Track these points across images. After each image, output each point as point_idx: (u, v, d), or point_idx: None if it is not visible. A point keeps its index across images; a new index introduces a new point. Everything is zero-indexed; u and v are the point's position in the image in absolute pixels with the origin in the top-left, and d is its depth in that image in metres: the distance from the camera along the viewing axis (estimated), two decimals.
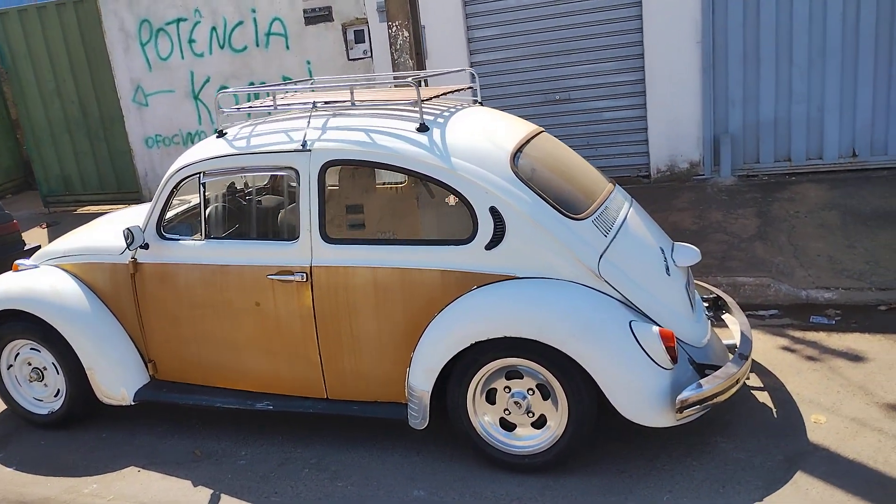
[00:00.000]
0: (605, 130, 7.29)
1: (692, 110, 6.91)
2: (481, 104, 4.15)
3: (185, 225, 3.87)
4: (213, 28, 8.16)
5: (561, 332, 3.00)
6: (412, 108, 3.46)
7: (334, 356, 3.41)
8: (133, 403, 3.79)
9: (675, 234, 5.79)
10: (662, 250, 3.51)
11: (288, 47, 7.96)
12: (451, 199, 3.33)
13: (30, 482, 3.54)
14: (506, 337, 3.06)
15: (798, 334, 4.33)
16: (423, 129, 3.31)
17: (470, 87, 4.13)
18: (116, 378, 3.80)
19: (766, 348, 4.18)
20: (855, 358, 3.97)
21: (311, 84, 4.22)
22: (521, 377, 3.15)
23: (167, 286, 3.67)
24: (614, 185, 3.82)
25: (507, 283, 3.14)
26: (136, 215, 4.07)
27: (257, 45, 8.08)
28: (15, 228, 6.30)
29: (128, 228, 3.63)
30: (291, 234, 3.42)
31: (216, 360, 3.68)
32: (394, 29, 5.19)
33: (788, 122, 6.72)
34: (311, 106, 3.53)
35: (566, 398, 3.06)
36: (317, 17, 7.65)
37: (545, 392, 3.13)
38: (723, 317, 3.95)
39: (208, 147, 3.63)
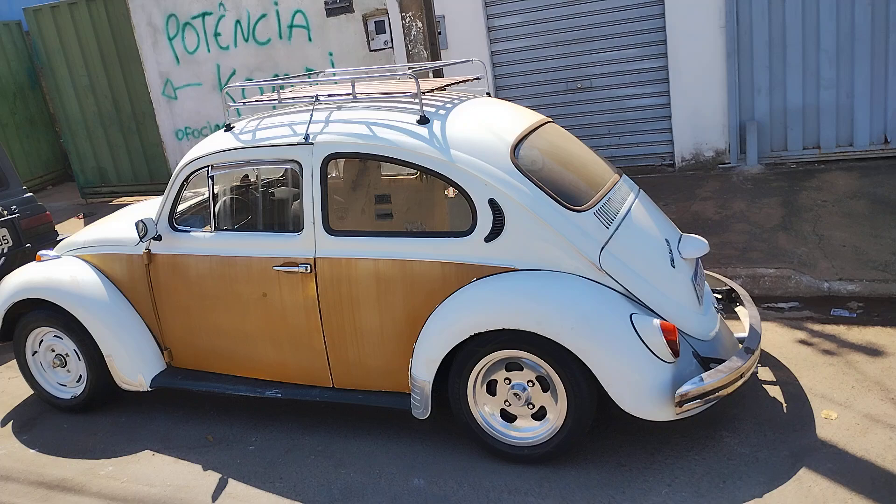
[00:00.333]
0: (628, 119, 7.20)
1: (717, 97, 6.77)
2: (489, 95, 4.13)
3: (197, 217, 3.95)
4: (238, 21, 8.26)
5: (559, 325, 2.99)
6: (414, 101, 3.47)
7: (339, 346, 3.46)
8: (150, 389, 3.90)
9: (696, 224, 5.72)
10: (668, 242, 3.46)
11: (310, 39, 8.02)
12: (451, 192, 3.33)
13: (50, 463, 3.68)
14: (504, 329, 3.07)
15: (817, 327, 4.24)
16: (423, 121, 3.32)
17: (477, 78, 4.11)
18: (134, 365, 3.92)
19: (783, 342, 4.10)
20: (874, 352, 3.87)
21: (319, 77, 4.26)
22: (521, 369, 3.16)
23: (179, 276, 3.75)
24: (620, 176, 3.77)
25: (507, 275, 3.14)
26: (153, 207, 4.17)
27: (280, 38, 8.16)
28: (48, 220, 6.47)
29: (141, 220, 3.72)
30: (296, 226, 3.47)
31: (227, 349, 3.76)
32: (407, 20, 5.19)
33: (817, 108, 6.55)
34: (314, 99, 3.56)
35: (565, 391, 3.06)
36: (338, 8, 7.69)
37: (545, 384, 3.13)
38: (736, 309, 3.90)
39: (216, 141, 3.70)
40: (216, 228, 3.68)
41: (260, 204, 3.81)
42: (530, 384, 3.15)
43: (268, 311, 3.56)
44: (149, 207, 4.32)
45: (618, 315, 3.05)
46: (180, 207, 3.91)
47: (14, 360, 4.48)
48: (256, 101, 3.77)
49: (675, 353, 3.03)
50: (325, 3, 7.77)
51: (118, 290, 3.99)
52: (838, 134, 6.56)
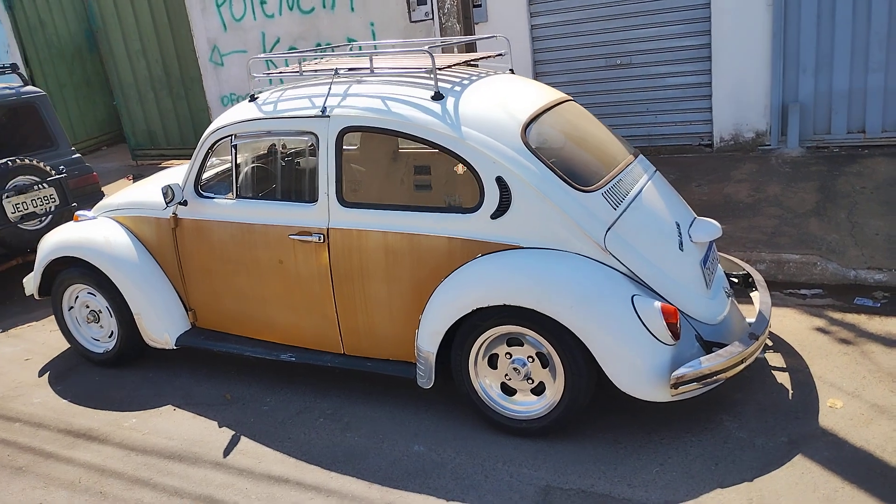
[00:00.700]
0: (668, 97, 7.07)
1: (760, 77, 6.59)
2: (512, 71, 4.14)
3: (223, 184, 4.08)
4: None
5: (558, 303, 3.03)
6: (431, 76, 3.51)
7: (349, 314, 3.57)
8: (175, 348, 4.10)
9: (726, 207, 5.64)
10: (678, 225, 3.45)
11: (353, 9, 8.07)
12: (460, 168, 3.38)
13: (79, 413, 3.91)
14: (506, 305, 3.13)
15: (837, 315, 4.17)
16: (437, 97, 3.36)
17: (500, 54, 4.12)
18: (161, 324, 4.11)
19: (800, 328, 4.05)
20: (892, 343, 3.80)
21: (336, 51, 4.31)
22: (522, 345, 3.22)
23: (203, 241, 3.91)
24: (635, 157, 3.76)
25: (511, 252, 3.19)
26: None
27: (324, 7, 8.23)
28: (94, 180, 6.75)
29: (168, 186, 3.87)
30: (312, 196, 3.57)
31: (246, 312, 3.91)
32: None
33: (864, 91, 6.32)
34: (333, 73, 3.63)
35: (563, 368, 3.11)
36: None
37: (544, 360, 3.18)
38: (751, 295, 3.87)
39: (240, 111, 3.82)
40: (238, 196, 3.81)
41: (279, 174, 3.93)
42: (530, 360, 3.21)
43: (284, 278, 3.69)
44: (180, 173, 4.48)
45: (619, 296, 3.07)
46: (207, 174, 4.05)
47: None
48: (280, 73, 3.86)
49: (676, 336, 3.05)
50: None
51: (148, 252, 4.18)
52: (885, 119, 6.33)
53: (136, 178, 9.36)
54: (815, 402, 3.36)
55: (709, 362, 3.03)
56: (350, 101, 3.48)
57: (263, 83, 4.03)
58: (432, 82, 3.43)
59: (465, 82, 3.57)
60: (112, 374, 4.31)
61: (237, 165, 3.84)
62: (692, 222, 3.57)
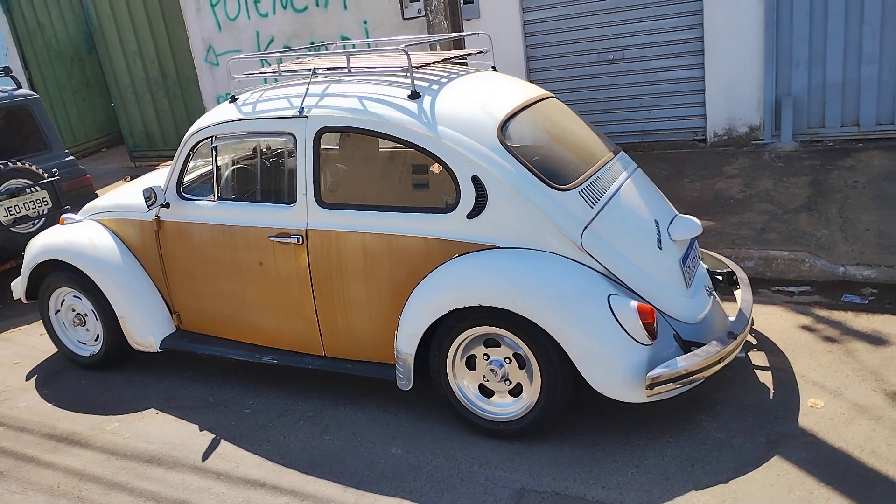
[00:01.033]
0: (661, 92, 7.03)
1: (753, 70, 6.54)
2: (495, 69, 4.12)
3: (205, 186, 4.08)
4: None
5: (533, 303, 3.02)
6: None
7: (329, 316, 3.56)
8: (159, 351, 4.10)
9: (717, 203, 5.60)
10: (657, 223, 3.42)
11: (345, 7, 8.05)
12: (436, 168, 3.36)
13: (63, 417, 3.92)
14: (482, 306, 3.11)
15: (823, 313, 4.14)
16: (414, 96, 3.34)
17: (481, 52, 4.09)
18: (145, 326, 4.11)
19: (785, 326, 4.02)
20: (877, 341, 3.77)
21: (315, 49, 4.30)
22: (500, 346, 3.20)
23: (185, 243, 3.91)
24: (615, 154, 3.73)
25: (487, 252, 3.17)
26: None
27: (317, 6, 8.22)
28: (88, 183, 6.77)
29: (150, 188, 3.88)
30: (290, 197, 3.55)
31: (229, 315, 3.91)
32: None
33: (858, 84, 6.26)
34: (311, 73, 3.62)
35: (539, 369, 3.09)
36: None
37: (522, 361, 3.17)
38: (735, 293, 3.83)
39: (220, 112, 3.81)
40: (219, 198, 3.81)
41: (259, 175, 3.92)
42: (507, 361, 3.19)
43: (265, 280, 3.69)
44: (164, 175, 4.47)
45: (595, 295, 3.05)
46: (190, 176, 4.05)
47: None
48: (260, 73, 3.85)
49: (652, 336, 3.02)
50: None
51: (132, 255, 4.18)
52: (879, 111, 6.26)
53: (133, 179, 9.39)
54: (796, 401, 3.33)
55: (685, 362, 3.01)
56: (327, 101, 3.47)
57: (244, 84, 4.02)
58: (410, 81, 3.42)
59: (444, 81, 3.55)
60: (98, 377, 4.32)
61: (218, 167, 3.83)
62: (672, 220, 3.54)
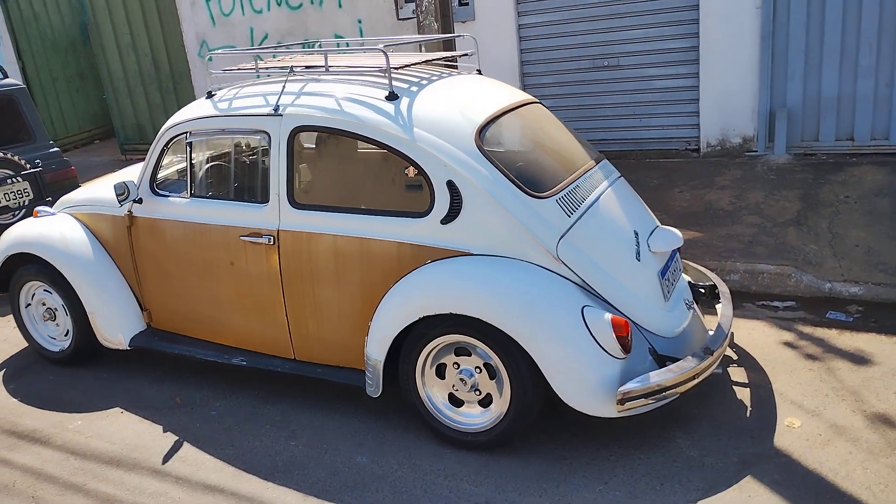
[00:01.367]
0: (655, 100, 6.96)
1: (748, 81, 6.47)
2: (480, 72, 4.04)
3: (180, 182, 4.00)
4: None
5: (503, 313, 2.94)
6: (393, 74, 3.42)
7: (299, 319, 3.48)
8: (129, 349, 4.02)
9: (706, 214, 5.52)
10: (636, 234, 3.34)
11: (340, 5, 7.98)
12: (411, 171, 3.28)
13: (26, 413, 3.84)
14: (452, 314, 3.03)
15: (807, 330, 4.06)
16: (392, 97, 3.27)
17: (465, 54, 4.02)
18: (115, 323, 4.03)
19: (768, 342, 3.94)
20: (860, 360, 3.69)
21: (295, 47, 4.23)
22: (471, 354, 3.12)
23: (157, 240, 3.83)
24: (597, 162, 3.65)
25: (459, 259, 3.09)
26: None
27: (312, 3, 8.15)
28: (72, 175, 6.67)
29: (122, 182, 3.80)
30: (263, 197, 3.47)
31: (200, 314, 3.83)
32: None
33: (853, 97, 6.19)
34: (289, 71, 3.54)
35: (508, 379, 3.01)
36: None
37: (492, 371, 3.08)
38: (717, 306, 3.76)
39: (195, 108, 3.73)
40: (192, 195, 3.73)
41: (233, 173, 3.84)
42: (478, 370, 3.11)
43: (236, 280, 3.60)
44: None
45: (568, 306, 2.97)
46: (165, 172, 3.97)
47: None
48: (238, 69, 3.78)
49: (626, 350, 2.94)
50: None
51: (104, 250, 4.10)
52: (874, 126, 6.20)
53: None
54: (773, 420, 3.25)
55: (658, 377, 2.93)
56: (303, 100, 3.39)
57: (221, 80, 3.95)
58: (388, 82, 3.34)
59: (424, 83, 3.48)
60: (67, 373, 4.24)
61: (192, 164, 3.75)
62: (653, 231, 3.47)
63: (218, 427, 3.55)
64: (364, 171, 3.88)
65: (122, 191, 3.78)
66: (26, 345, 4.58)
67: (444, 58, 3.88)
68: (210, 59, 9.02)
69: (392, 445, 3.28)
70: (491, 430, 3.11)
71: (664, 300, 3.30)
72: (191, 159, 3.73)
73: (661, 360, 3.12)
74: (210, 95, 3.77)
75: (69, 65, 11.48)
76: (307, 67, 3.60)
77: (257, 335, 3.66)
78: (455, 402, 3.22)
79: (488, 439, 3.14)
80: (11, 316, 5.04)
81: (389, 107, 3.25)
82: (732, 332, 3.96)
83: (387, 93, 3.28)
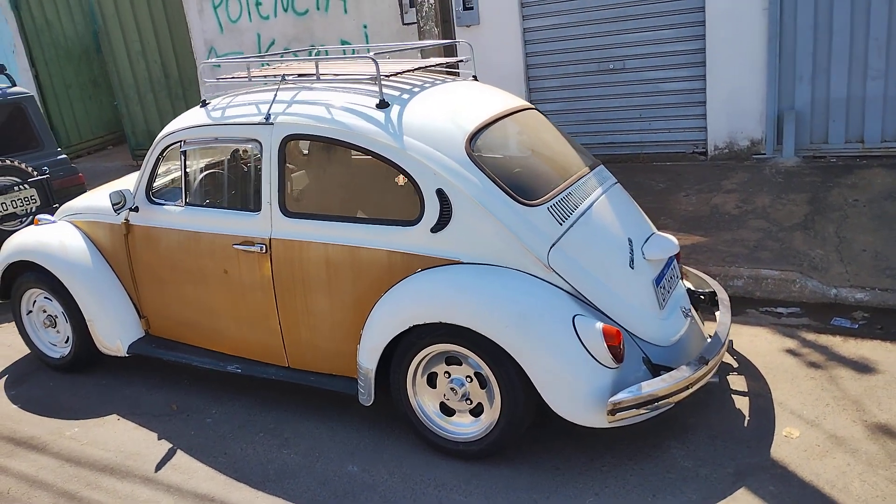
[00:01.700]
0: (661, 103, 6.88)
1: (755, 84, 6.38)
2: (475, 78, 4.01)
3: (176, 190, 4.01)
4: None
5: (493, 322, 2.91)
6: (385, 82, 3.40)
7: (292, 327, 3.47)
8: (127, 355, 4.03)
9: (711, 218, 5.45)
10: (630, 241, 3.30)
11: (346, 11, 7.99)
12: (401, 179, 3.26)
13: (25, 420, 3.86)
14: (442, 323, 3.01)
15: (811, 336, 3.99)
16: (382, 105, 3.25)
17: (460, 61, 3.99)
18: (113, 330, 4.05)
19: (769, 350, 3.87)
20: (863, 368, 3.61)
21: (288, 55, 4.23)
22: (461, 364, 3.09)
23: (153, 248, 3.84)
24: (592, 168, 3.61)
25: (449, 267, 3.07)
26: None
27: (318, 9, 8.17)
28: (80, 181, 6.72)
29: (119, 191, 3.81)
30: (256, 205, 3.47)
31: (195, 321, 3.83)
32: None
33: (863, 99, 6.08)
34: (281, 79, 3.54)
35: (499, 389, 2.98)
36: None
37: (483, 381, 3.06)
38: (716, 314, 3.70)
39: (190, 117, 3.74)
40: (186, 203, 3.74)
41: (226, 181, 3.85)
42: (469, 380, 3.09)
43: (230, 288, 3.61)
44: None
45: (559, 315, 2.93)
46: (162, 180, 3.99)
47: None
48: (231, 77, 3.78)
49: (618, 359, 2.90)
50: None
51: (103, 258, 4.12)
52: (884, 128, 6.09)
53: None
54: (771, 430, 3.19)
55: (650, 388, 2.88)
56: (295, 109, 3.39)
57: (213, 88, 3.95)
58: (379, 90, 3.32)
59: (415, 90, 3.46)
60: (67, 379, 4.26)
61: (187, 172, 3.76)
62: (648, 238, 3.42)
63: (212, 434, 3.55)
64: (355, 180, 3.86)
65: (119, 199, 3.80)
66: (28, 352, 4.61)
67: (441, 64, 3.86)
68: (219, 65, 9.07)
69: (383, 454, 3.26)
70: (482, 440, 3.08)
71: (659, 308, 3.25)
72: (185, 168, 3.74)
73: (656, 370, 3.07)
74: (204, 104, 3.78)
75: (82, 72, 11.59)
76: (299, 75, 3.59)
77: (252, 343, 3.66)
78: (446, 411, 3.19)
79: (479, 449, 3.11)
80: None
81: (380, 115, 3.23)
82: (731, 340, 3.92)
83: (377, 101, 3.27)
